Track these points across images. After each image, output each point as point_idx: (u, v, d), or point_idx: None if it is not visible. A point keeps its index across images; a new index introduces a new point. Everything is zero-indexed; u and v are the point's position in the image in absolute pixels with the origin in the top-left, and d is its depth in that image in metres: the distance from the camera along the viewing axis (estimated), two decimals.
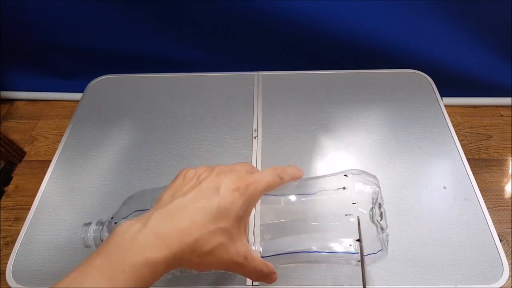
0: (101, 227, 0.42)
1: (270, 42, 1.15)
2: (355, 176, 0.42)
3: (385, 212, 0.41)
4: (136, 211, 0.41)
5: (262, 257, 0.39)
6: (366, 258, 0.38)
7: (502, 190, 1.10)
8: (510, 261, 0.87)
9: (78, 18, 1.12)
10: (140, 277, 0.27)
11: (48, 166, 0.63)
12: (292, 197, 0.42)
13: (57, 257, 0.51)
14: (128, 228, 0.30)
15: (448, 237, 0.52)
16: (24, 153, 1.26)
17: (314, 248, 0.40)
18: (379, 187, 0.42)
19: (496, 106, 1.30)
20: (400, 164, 0.60)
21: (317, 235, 0.40)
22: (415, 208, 0.55)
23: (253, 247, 0.39)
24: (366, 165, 0.60)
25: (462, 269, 0.49)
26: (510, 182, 1.11)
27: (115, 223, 0.42)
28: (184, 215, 0.31)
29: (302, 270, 0.49)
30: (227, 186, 0.33)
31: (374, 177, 0.43)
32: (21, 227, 0.55)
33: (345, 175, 0.42)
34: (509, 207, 1.05)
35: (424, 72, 0.75)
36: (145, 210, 0.40)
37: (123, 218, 0.41)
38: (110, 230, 0.41)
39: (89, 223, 0.43)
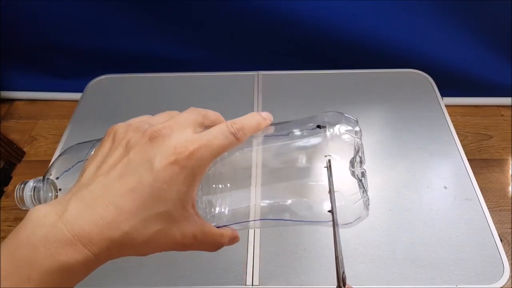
0: (38, 184, 0.36)
1: (270, 42, 1.15)
2: (331, 127, 0.36)
3: (365, 172, 0.36)
4: (79, 162, 0.36)
5: (218, 227, 0.32)
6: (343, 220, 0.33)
7: (502, 190, 1.09)
8: (511, 261, 0.87)
9: (78, 18, 1.12)
10: (53, 284, 0.22)
11: (47, 166, 0.62)
12: (255, 143, 0.35)
13: None
14: (42, 219, 0.23)
15: (449, 237, 0.51)
16: (24, 153, 1.26)
17: (284, 216, 0.34)
18: (360, 136, 0.36)
19: (497, 106, 1.29)
20: (400, 164, 0.60)
21: (286, 196, 0.35)
22: (415, 208, 0.55)
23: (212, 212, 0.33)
24: (366, 165, 0.60)
25: (462, 269, 0.49)
26: (510, 182, 1.11)
27: (49, 176, 0.36)
28: (108, 201, 0.24)
29: (302, 270, 0.49)
30: (163, 158, 0.25)
31: (355, 122, 0.37)
32: None
33: (318, 126, 0.36)
34: (510, 207, 1.05)
35: (425, 72, 0.75)
36: (85, 160, 0.35)
37: (64, 172, 0.37)
38: (47, 186, 0.36)
39: (26, 182, 0.37)
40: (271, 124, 0.35)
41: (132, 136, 0.27)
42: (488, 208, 0.54)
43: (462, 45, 1.12)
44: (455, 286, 0.47)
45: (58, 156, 0.38)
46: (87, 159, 0.33)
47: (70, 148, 0.39)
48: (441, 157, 0.61)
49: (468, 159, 0.60)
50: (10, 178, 1.20)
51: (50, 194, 0.36)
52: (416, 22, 1.06)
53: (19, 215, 1.11)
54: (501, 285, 0.47)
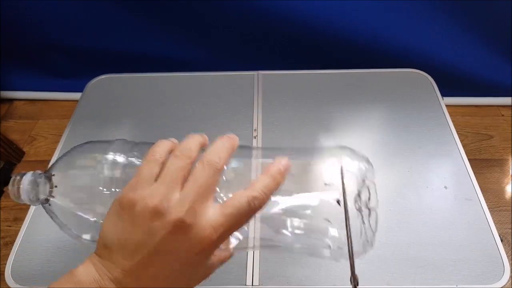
0: (38, 179, 0.36)
1: (270, 42, 1.15)
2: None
3: (375, 210, 0.36)
4: (90, 166, 0.36)
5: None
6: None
7: (503, 190, 1.09)
8: (511, 261, 0.87)
9: (78, 18, 1.12)
10: None
11: (47, 166, 0.62)
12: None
13: (56, 258, 0.51)
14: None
15: (449, 237, 0.51)
16: (23, 153, 1.26)
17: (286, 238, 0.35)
18: (366, 176, 0.37)
19: (497, 106, 1.29)
20: (400, 164, 0.60)
21: (292, 221, 0.35)
22: (415, 208, 0.55)
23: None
24: None
25: (463, 269, 0.49)
26: (511, 182, 1.11)
27: (54, 175, 0.36)
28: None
29: (303, 270, 0.49)
30: (189, 251, 0.28)
31: (366, 160, 0.38)
32: (20, 227, 0.55)
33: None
34: (510, 207, 1.05)
35: (425, 72, 0.75)
36: (99, 165, 0.35)
37: (72, 172, 0.37)
38: (50, 184, 0.36)
39: (24, 173, 0.37)
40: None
41: (153, 221, 0.27)
42: (488, 208, 0.54)
43: (462, 45, 1.12)
44: (455, 286, 0.47)
45: (66, 153, 0.38)
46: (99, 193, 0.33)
47: (78, 149, 0.38)
48: (441, 157, 0.61)
49: (469, 159, 0.60)
50: (10, 178, 1.20)
51: (46, 189, 0.35)
52: (417, 22, 1.06)
53: (19, 214, 1.11)
54: (501, 285, 0.47)
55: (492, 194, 1.08)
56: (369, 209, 0.36)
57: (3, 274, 0.50)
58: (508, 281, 0.48)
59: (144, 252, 0.27)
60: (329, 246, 0.34)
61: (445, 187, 0.57)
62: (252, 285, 0.48)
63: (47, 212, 0.36)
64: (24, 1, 1.08)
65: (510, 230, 1.00)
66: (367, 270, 0.49)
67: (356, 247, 0.34)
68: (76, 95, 1.35)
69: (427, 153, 0.61)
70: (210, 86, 0.74)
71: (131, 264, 0.27)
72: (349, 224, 0.32)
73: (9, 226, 1.08)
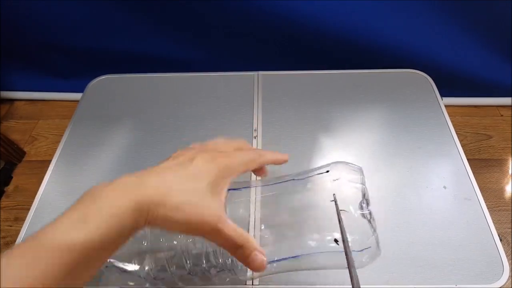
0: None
1: (270, 42, 1.15)
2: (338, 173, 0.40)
3: (371, 213, 0.38)
4: None
5: None
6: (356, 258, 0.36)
7: (502, 190, 1.10)
8: (510, 261, 0.87)
9: (78, 18, 1.12)
10: (108, 228, 0.27)
11: (48, 166, 0.63)
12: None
13: None
14: (99, 185, 0.30)
15: (448, 237, 0.52)
16: (24, 153, 1.26)
17: (298, 252, 0.37)
18: (364, 182, 0.40)
19: (497, 106, 1.29)
20: (400, 164, 0.60)
21: (300, 236, 0.39)
22: (415, 208, 0.55)
23: None
24: (366, 165, 0.60)
25: (462, 269, 0.49)
26: (510, 182, 1.11)
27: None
28: (154, 176, 0.32)
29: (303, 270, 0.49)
30: (202, 158, 0.34)
31: (359, 170, 0.41)
32: (21, 227, 0.55)
33: (327, 171, 0.41)
34: (509, 207, 1.05)
35: (424, 72, 0.75)
36: None
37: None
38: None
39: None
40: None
41: (184, 150, 0.37)
42: (487, 208, 0.54)
43: (462, 45, 1.12)
44: (454, 286, 0.47)
45: None
46: None
47: None
48: (440, 157, 0.61)
49: (468, 159, 0.60)
50: (10, 178, 1.20)
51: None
52: (416, 22, 1.06)
53: (19, 215, 1.11)
54: (500, 285, 0.48)
55: (492, 194, 1.08)
56: (369, 211, 0.38)
57: None
58: (508, 280, 0.48)
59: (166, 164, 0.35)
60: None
61: (445, 187, 0.57)
62: (252, 285, 0.48)
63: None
64: (24, 1, 1.08)
65: (509, 230, 1.00)
66: (366, 269, 0.49)
67: (370, 253, 0.37)
68: (76, 95, 1.35)
69: (427, 153, 0.61)
70: (210, 86, 0.74)
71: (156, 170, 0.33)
72: (347, 240, 0.35)
73: (10, 226, 1.08)
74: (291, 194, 0.41)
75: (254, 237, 0.38)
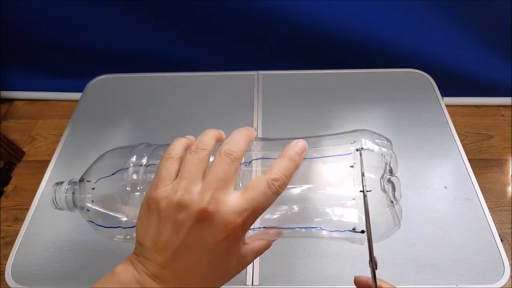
0: (74, 187, 0.38)
1: (270, 42, 1.15)
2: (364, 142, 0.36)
3: (399, 180, 0.36)
4: (118, 170, 0.38)
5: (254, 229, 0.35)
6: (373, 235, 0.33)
7: (503, 190, 1.09)
8: (511, 261, 0.87)
9: (78, 18, 1.12)
10: None
11: (47, 166, 0.62)
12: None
13: (56, 257, 0.51)
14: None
15: (449, 237, 0.51)
16: (23, 153, 1.26)
17: (313, 224, 0.35)
18: (392, 149, 0.37)
19: (497, 106, 1.29)
20: (400, 164, 0.60)
21: (316, 208, 0.36)
22: (416, 208, 0.55)
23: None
24: None
25: (463, 269, 0.49)
26: (511, 182, 1.11)
27: (88, 181, 0.38)
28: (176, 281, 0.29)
29: (302, 270, 0.49)
30: (216, 237, 0.28)
31: (387, 140, 0.38)
32: (20, 227, 0.55)
33: (351, 143, 0.36)
34: (510, 207, 1.05)
35: (425, 72, 0.75)
36: (125, 169, 0.37)
37: (103, 177, 0.38)
38: (84, 190, 0.38)
39: (61, 182, 0.39)
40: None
41: (177, 215, 0.28)
42: (488, 208, 0.54)
43: (462, 45, 1.12)
44: (455, 286, 0.47)
45: (96, 160, 0.40)
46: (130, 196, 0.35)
47: (106, 155, 0.40)
48: (441, 157, 0.61)
49: (468, 159, 0.60)
50: (10, 178, 1.20)
51: (87, 196, 0.37)
52: (417, 22, 1.06)
53: (19, 215, 1.11)
54: (501, 285, 0.47)
55: (492, 194, 1.08)
56: (394, 188, 0.36)
57: (3, 274, 0.50)
58: (508, 281, 0.48)
59: (174, 245, 0.28)
60: (355, 230, 0.34)
61: (445, 187, 0.57)
62: (252, 285, 0.48)
63: (83, 217, 0.38)
64: (24, 1, 1.08)
65: (510, 230, 1.00)
66: (366, 269, 0.49)
67: (382, 229, 0.34)
68: (76, 95, 1.35)
69: (427, 153, 0.61)
70: (210, 86, 0.74)
71: (164, 259, 0.28)
72: (367, 209, 0.32)
73: (9, 226, 1.08)
74: (309, 163, 0.37)
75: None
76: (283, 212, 0.35)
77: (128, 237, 0.37)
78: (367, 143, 0.36)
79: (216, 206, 0.28)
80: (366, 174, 0.34)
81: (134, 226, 0.32)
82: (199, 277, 0.29)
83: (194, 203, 0.28)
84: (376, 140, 0.37)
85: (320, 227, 0.35)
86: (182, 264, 0.28)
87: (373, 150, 0.36)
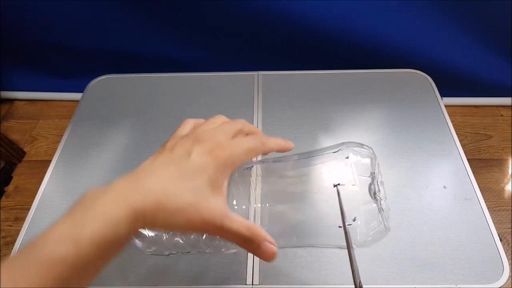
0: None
1: (270, 42, 1.15)
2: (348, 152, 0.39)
3: (383, 185, 0.38)
4: None
5: None
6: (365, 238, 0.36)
7: (502, 190, 1.10)
8: (510, 261, 0.87)
9: (78, 18, 1.12)
10: (102, 238, 0.26)
11: (48, 166, 0.63)
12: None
13: None
14: (94, 191, 0.29)
15: (448, 237, 0.52)
16: (24, 153, 1.26)
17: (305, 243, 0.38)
18: (375, 157, 0.39)
19: (496, 106, 1.29)
20: (400, 164, 0.60)
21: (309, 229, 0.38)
22: (415, 208, 0.55)
23: None
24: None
25: (462, 268, 0.49)
26: (510, 182, 1.11)
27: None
28: (150, 177, 0.30)
29: (303, 270, 0.49)
30: (200, 150, 0.31)
31: (369, 148, 0.40)
32: (21, 227, 0.55)
33: (334, 152, 0.39)
34: (509, 207, 1.05)
35: (424, 72, 0.75)
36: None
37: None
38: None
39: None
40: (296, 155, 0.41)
41: (182, 140, 0.33)
42: (487, 208, 0.55)
43: (462, 45, 1.12)
44: (454, 286, 0.47)
45: None
46: None
47: None
48: (440, 157, 0.61)
49: (468, 159, 0.60)
50: (10, 178, 1.20)
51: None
52: (416, 22, 1.06)
53: (19, 215, 1.11)
54: (500, 285, 0.48)
55: (492, 194, 1.08)
56: (380, 197, 0.37)
57: None
58: (507, 280, 0.48)
59: (159, 159, 0.32)
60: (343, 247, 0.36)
61: (445, 187, 0.57)
62: (252, 284, 0.48)
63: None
64: (24, 1, 1.09)
65: (509, 230, 1.00)
66: (366, 269, 0.49)
67: (375, 233, 0.36)
68: (76, 95, 1.35)
69: (427, 153, 0.61)
70: (210, 86, 0.74)
71: (142, 167, 0.31)
72: (350, 238, 0.35)
73: (10, 226, 1.08)
74: (298, 174, 0.40)
75: (258, 214, 0.38)
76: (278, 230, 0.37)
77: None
78: (356, 158, 0.39)
79: (214, 135, 0.33)
80: (355, 188, 0.36)
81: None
82: (168, 179, 0.30)
83: (199, 131, 0.34)
84: (357, 149, 0.40)
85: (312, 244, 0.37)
86: (161, 171, 0.30)
87: (360, 161, 0.39)
